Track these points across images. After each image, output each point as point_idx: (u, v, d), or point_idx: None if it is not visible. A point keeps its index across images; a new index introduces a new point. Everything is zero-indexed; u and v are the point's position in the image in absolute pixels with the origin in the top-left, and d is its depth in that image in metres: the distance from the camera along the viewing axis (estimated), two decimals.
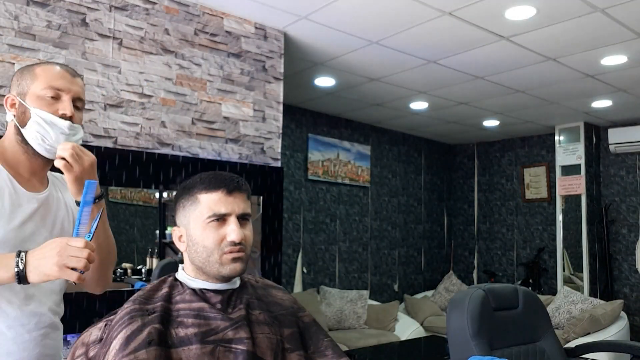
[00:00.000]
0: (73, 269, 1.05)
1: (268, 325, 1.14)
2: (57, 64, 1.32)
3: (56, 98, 1.26)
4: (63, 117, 1.25)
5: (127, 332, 1.01)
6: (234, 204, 1.14)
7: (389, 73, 4.08)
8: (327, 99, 4.93)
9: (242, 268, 1.14)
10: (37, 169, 1.29)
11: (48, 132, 1.23)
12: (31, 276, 1.07)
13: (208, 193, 1.13)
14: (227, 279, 1.15)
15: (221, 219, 1.13)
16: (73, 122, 1.26)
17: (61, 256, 1.05)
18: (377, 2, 2.90)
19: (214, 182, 1.14)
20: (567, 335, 4.32)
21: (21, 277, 1.07)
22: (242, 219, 1.15)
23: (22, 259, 1.07)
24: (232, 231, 1.12)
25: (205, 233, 1.12)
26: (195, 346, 1.04)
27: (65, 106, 1.26)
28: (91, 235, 1.11)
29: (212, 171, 1.21)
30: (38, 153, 1.25)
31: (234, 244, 1.12)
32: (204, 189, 1.14)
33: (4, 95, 2.30)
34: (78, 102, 1.30)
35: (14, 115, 1.27)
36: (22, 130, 1.25)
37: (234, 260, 1.12)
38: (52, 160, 1.25)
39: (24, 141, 1.25)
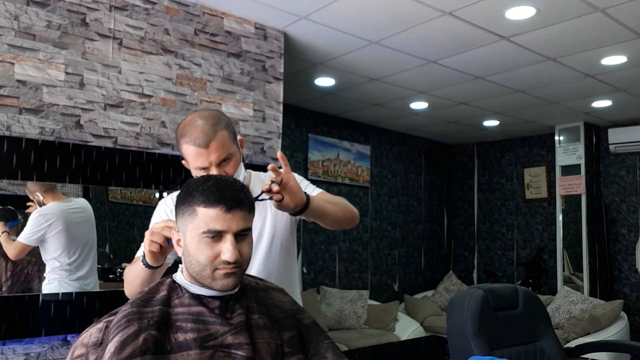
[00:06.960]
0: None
1: (268, 330, 1.13)
2: (198, 126, 1.44)
3: (204, 169, 1.44)
4: None
5: (123, 336, 1.00)
6: (232, 222, 1.09)
7: (389, 73, 4.08)
8: (327, 99, 4.93)
9: (235, 283, 1.12)
10: None
11: None
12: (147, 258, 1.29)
13: (206, 207, 1.08)
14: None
15: (217, 235, 1.09)
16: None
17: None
18: (377, 2, 2.89)
19: (214, 197, 1.08)
20: (567, 335, 4.32)
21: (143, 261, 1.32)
22: (240, 234, 1.11)
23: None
24: (227, 250, 1.08)
25: (200, 247, 1.09)
26: (194, 351, 1.03)
27: (212, 166, 1.44)
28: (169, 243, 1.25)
29: (214, 177, 1.15)
30: None
31: (228, 263, 1.09)
32: (203, 202, 1.09)
33: (3, 96, 2.31)
34: (224, 159, 1.45)
35: None
36: None
37: (227, 275, 1.10)
38: None
39: None
